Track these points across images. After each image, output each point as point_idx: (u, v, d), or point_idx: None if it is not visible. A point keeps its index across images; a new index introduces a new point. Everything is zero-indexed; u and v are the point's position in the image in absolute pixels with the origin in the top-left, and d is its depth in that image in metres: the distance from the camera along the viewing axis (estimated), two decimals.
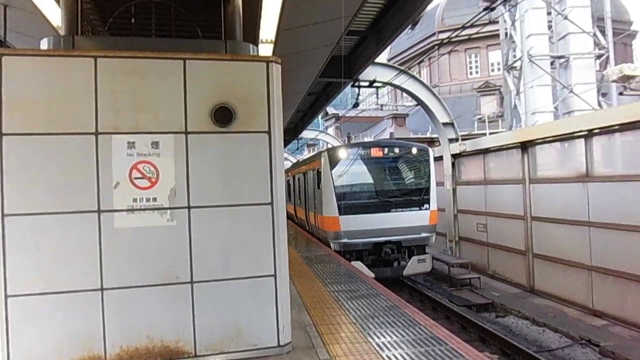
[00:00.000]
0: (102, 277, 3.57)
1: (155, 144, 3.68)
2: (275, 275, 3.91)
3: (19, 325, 3.43)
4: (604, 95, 16.46)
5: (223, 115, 3.75)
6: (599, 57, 15.94)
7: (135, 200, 3.64)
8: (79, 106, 3.53)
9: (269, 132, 3.88)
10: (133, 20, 4.48)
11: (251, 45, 4.41)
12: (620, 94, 11.55)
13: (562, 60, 15.85)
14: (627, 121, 8.87)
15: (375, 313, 5.67)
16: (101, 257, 3.57)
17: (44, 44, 3.91)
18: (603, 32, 16.30)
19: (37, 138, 3.46)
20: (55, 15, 5.08)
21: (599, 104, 15.66)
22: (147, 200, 3.66)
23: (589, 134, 9.98)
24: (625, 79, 8.20)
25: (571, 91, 15.24)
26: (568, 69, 15.59)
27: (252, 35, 6.02)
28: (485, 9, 8.14)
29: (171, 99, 3.71)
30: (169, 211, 3.70)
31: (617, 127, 9.24)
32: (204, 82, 3.78)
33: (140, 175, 3.64)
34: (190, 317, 3.76)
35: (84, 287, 3.55)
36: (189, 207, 3.73)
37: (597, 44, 15.76)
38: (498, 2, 10.15)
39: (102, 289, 3.57)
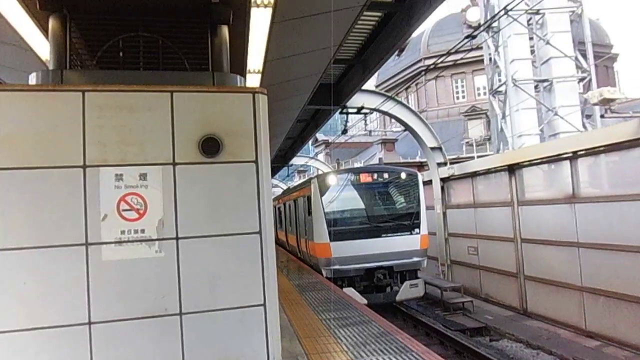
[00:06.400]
0: (90, 310, 3.52)
1: (143, 176, 3.68)
2: (264, 305, 3.87)
3: None
4: (588, 117, 16.77)
5: (210, 146, 3.77)
6: (581, 79, 16.31)
7: (123, 232, 3.61)
8: (66, 140, 3.54)
9: (256, 162, 3.91)
10: (121, 53, 4.54)
11: (238, 77, 4.47)
12: (602, 116, 11.78)
13: (545, 84, 16.21)
14: (610, 142, 9.03)
15: (367, 340, 5.64)
16: (89, 291, 3.52)
17: (33, 79, 3.94)
18: (584, 56, 16.70)
19: (25, 172, 3.45)
20: (44, 50, 5.13)
21: (584, 126, 15.96)
22: (135, 232, 3.64)
23: (574, 156, 10.14)
24: (605, 102, 8.40)
25: (556, 114, 15.53)
26: (552, 92, 15.93)
27: (239, 66, 6.12)
28: (467, 37, 8.35)
29: (159, 131, 3.74)
30: (157, 242, 3.68)
31: (602, 148, 9.39)
32: (191, 113, 3.81)
33: (128, 207, 3.63)
34: (179, 349, 3.70)
35: (71, 322, 3.49)
36: (177, 238, 3.72)
37: (579, 67, 16.15)
38: (480, 29, 10.40)
39: (89, 323, 3.52)
